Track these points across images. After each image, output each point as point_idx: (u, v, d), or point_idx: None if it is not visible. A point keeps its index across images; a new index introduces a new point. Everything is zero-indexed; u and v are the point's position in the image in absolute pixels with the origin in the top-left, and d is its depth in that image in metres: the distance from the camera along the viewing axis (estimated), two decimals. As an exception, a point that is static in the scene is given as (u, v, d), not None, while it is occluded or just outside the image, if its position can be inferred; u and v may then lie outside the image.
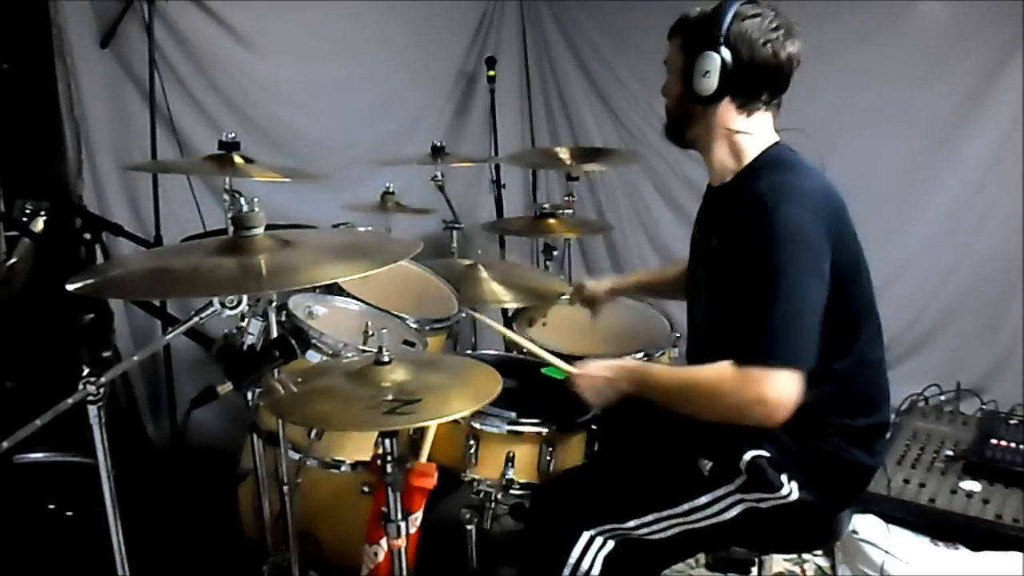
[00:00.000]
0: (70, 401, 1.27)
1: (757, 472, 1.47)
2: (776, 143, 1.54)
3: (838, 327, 1.42)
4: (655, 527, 1.53)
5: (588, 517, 1.55)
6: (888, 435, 1.65)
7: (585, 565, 1.52)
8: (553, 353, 1.85)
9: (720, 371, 1.37)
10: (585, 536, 1.53)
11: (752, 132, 1.52)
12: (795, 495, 1.48)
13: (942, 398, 2.96)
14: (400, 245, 1.52)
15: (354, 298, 2.21)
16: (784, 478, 1.47)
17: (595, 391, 1.59)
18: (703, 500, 1.51)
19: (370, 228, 2.69)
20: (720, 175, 1.57)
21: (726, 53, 1.45)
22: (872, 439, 1.56)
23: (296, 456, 1.94)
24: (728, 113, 1.51)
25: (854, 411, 1.51)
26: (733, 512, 1.50)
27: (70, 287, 1.25)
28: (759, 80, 1.49)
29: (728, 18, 1.45)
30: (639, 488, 1.57)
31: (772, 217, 1.38)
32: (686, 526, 1.52)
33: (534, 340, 2.05)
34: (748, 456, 1.47)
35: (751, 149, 1.52)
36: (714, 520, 1.51)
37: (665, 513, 1.52)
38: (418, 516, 1.68)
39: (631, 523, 1.53)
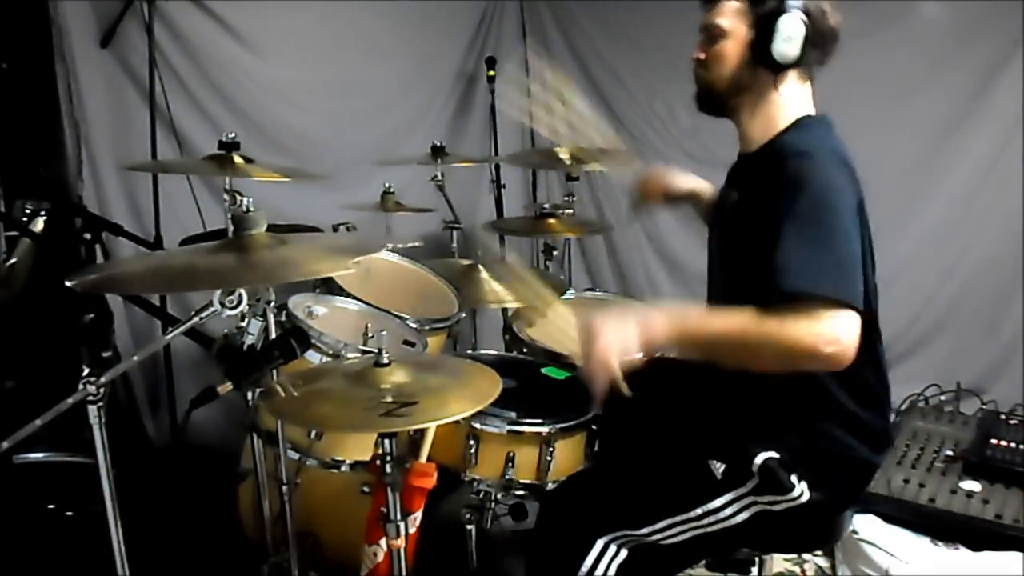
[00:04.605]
0: (70, 401, 1.27)
1: (770, 474, 1.46)
2: (811, 115, 1.54)
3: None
4: (668, 533, 1.51)
5: (601, 524, 1.52)
6: (890, 437, 1.64)
7: (599, 573, 1.49)
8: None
9: (782, 311, 1.28)
10: (599, 544, 1.50)
11: (800, 100, 1.52)
12: (806, 496, 1.47)
13: (942, 398, 2.96)
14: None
15: (354, 298, 2.21)
16: (795, 479, 1.46)
17: (621, 343, 1.32)
18: (717, 504, 1.49)
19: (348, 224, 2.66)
20: (754, 141, 1.55)
21: (806, 19, 1.43)
22: (876, 435, 1.55)
23: (296, 456, 1.94)
24: (790, 82, 1.50)
25: (863, 400, 1.49)
26: (746, 515, 1.49)
27: (69, 283, 1.25)
28: (825, 49, 1.49)
29: None
30: (651, 493, 1.54)
31: (805, 164, 1.37)
32: (699, 530, 1.51)
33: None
34: (760, 459, 1.46)
35: (791, 115, 1.51)
36: (727, 524, 1.50)
37: (679, 518, 1.50)
38: (418, 516, 1.68)
39: (645, 529, 1.51)
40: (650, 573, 1.56)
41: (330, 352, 1.92)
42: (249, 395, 1.65)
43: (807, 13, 1.44)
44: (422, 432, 1.80)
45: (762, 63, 1.47)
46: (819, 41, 1.46)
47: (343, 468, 1.99)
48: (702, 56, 1.54)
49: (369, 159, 3.02)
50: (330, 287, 2.21)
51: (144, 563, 1.45)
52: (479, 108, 3.76)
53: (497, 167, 3.59)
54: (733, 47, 1.49)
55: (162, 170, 2.72)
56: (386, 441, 1.45)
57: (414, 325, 2.19)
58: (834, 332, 1.27)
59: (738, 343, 1.33)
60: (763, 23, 1.45)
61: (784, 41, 1.44)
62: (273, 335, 1.70)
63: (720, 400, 1.59)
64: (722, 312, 1.35)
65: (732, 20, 1.48)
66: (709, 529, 1.51)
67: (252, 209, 1.42)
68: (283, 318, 1.99)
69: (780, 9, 1.43)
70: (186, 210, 2.75)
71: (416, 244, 2.72)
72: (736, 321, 1.32)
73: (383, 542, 1.60)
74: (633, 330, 1.34)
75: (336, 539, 1.98)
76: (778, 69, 1.48)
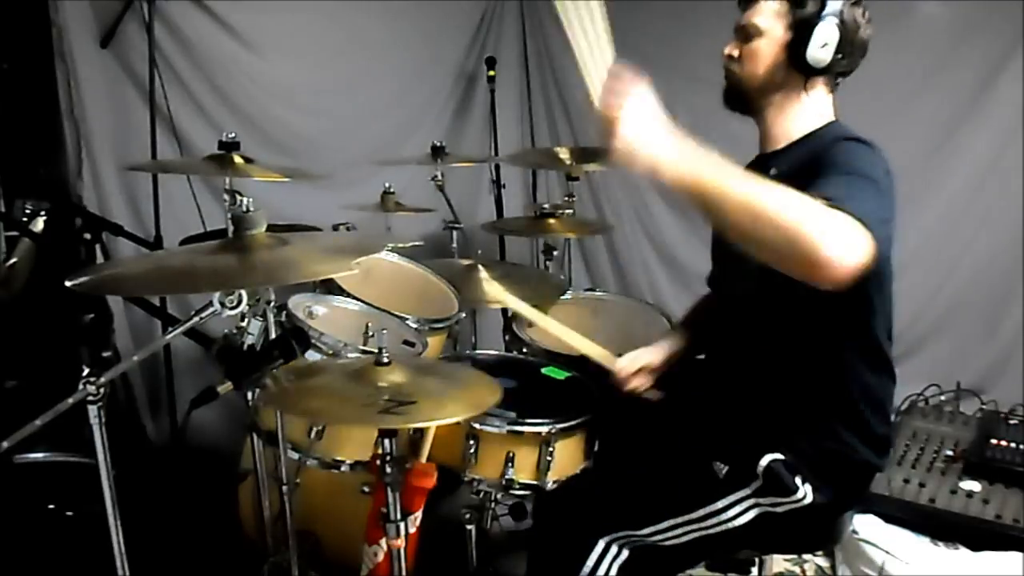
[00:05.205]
0: (70, 401, 1.27)
1: (774, 476, 1.47)
2: (836, 120, 1.57)
3: (879, 315, 1.55)
4: (670, 534, 1.52)
5: (603, 524, 1.53)
6: (891, 441, 1.66)
7: (600, 574, 1.50)
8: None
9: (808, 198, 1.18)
10: (601, 544, 1.51)
11: (824, 106, 1.56)
12: (809, 498, 1.48)
13: (942, 398, 2.95)
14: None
15: (354, 298, 2.21)
16: (799, 480, 1.47)
17: (637, 133, 1.29)
18: (719, 505, 1.50)
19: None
20: (775, 142, 1.58)
21: (843, 28, 1.47)
22: (879, 439, 1.56)
23: (296, 456, 1.94)
24: (818, 87, 1.54)
25: (872, 406, 1.51)
26: (748, 516, 1.50)
27: (69, 283, 1.25)
28: (853, 59, 1.52)
29: None
30: (654, 494, 1.55)
31: (863, 149, 1.41)
32: (701, 532, 1.51)
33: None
34: (765, 460, 1.47)
35: (815, 122, 1.55)
36: (729, 525, 1.50)
37: (681, 519, 1.51)
38: (418, 516, 1.68)
39: (646, 530, 1.51)
40: (651, 574, 1.56)
41: (330, 352, 1.91)
42: (249, 395, 1.65)
43: (844, 22, 1.46)
44: (422, 432, 1.80)
45: (795, 65, 1.50)
46: (849, 50, 1.49)
47: (343, 468, 1.98)
48: (735, 53, 1.56)
49: (369, 159, 3.02)
50: (330, 287, 2.21)
51: (144, 563, 1.45)
52: (479, 108, 3.75)
53: (497, 167, 3.59)
54: (768, 46, 1.52)
55: (162, 170, 2.72)
56: (386, 441, 1.45)
57: (414, 325, 2.19)
58: (845, 238, 1.14)
59: (752, 204, 1.16)
60: (801, 26, 1.47)
61: (819, 47, 1.47)
62: (273, 335, 1.70)
63: (732, 401, 1.59)
64: (749, 175, 1.22)
65: (770, 20, 1.51)
66: (711, 531, 1.51)
67: (252, 209, 1.42)
68: (283, 318, 1.99)
69: (820, 14, 1.46)
70: (186, 210, 2.75)
71: (416, 244, 2.72)
72: (760, 187, 1.18)
73: (383, 542, 1.60)
74: (656, 135, 1.28)
75: (336, 539, 1.98)
76: (809, 73, 1.50)
